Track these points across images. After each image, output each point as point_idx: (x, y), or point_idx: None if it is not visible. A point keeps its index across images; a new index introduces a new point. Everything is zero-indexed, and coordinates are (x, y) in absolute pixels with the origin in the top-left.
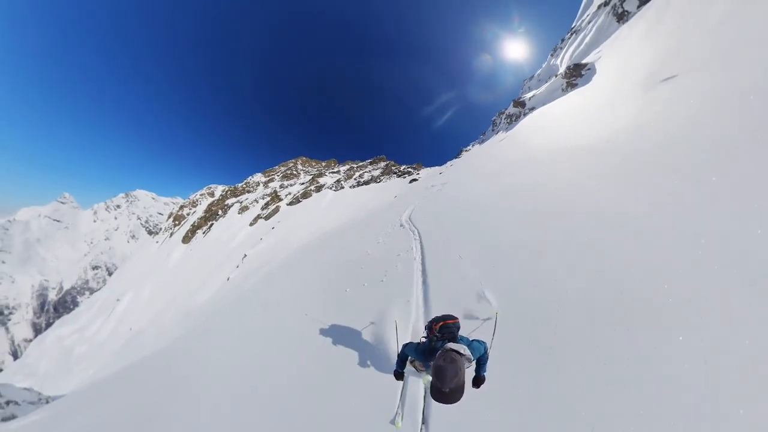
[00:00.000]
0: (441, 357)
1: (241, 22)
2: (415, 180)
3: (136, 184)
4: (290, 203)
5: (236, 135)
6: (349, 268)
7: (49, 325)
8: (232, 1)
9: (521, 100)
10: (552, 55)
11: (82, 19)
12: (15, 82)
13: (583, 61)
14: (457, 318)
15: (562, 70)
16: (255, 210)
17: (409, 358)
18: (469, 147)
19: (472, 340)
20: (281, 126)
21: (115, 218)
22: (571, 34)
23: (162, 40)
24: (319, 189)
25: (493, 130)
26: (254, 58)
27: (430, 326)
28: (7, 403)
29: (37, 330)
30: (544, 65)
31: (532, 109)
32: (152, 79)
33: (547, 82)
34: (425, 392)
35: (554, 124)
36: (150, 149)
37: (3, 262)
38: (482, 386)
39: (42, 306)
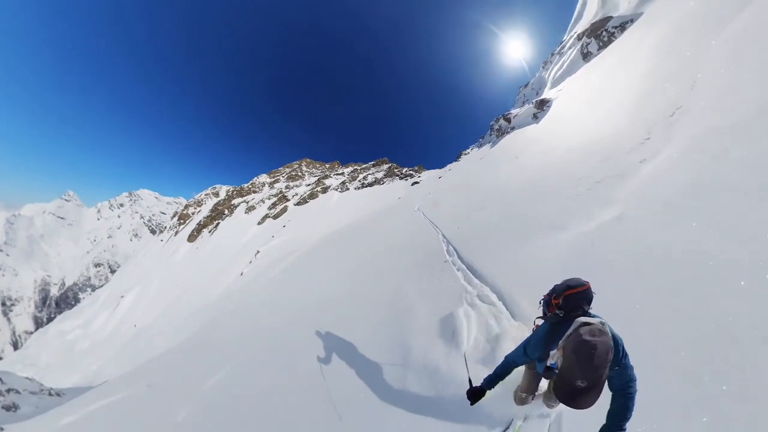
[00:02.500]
0: (584, 330)
1: (245, 23)
2: (416, 183)
3: (139, 183)
4: (297, 203)
5: (239, 137)
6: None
7: (50, 319)
8: (236, 1)
9: (508, 116)
10: (543, 68)
11: (86, 15)
12: (21, 79)
13: (546, 97)
14: (588, 283)
15: (546, 87)
16: (262, 210)
17: (529, 360)
18: (468, 150)
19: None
20: (284, 127)
21: (119, 217)
22: (560, 50)
23: (167, 40)
24: (325, 190)
25: (490, 135)
26: (259, 59)
27: (548, 301)
28: (8, 390)
29: (39, 323)
30: (537, 75)
31: (513, 128)
32: (158, 79)
33: (536, 95)
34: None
35: (509, 157)
36: (154, 149)
37: (7, 255)
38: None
39: (44, 300)
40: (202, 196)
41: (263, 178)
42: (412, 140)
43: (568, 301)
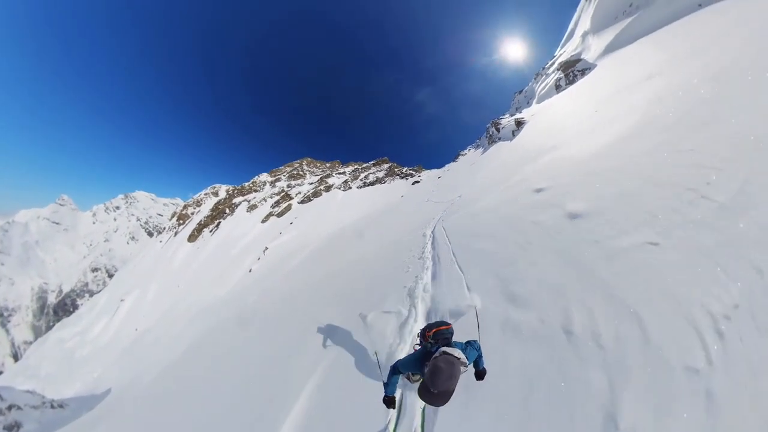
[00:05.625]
0: (440, 358)
1: (241, 21)
2: (417, 182)
3: (135, 185)
4: (301, 202)
5: (236, 136)
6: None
7: (49, 327)
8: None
9: (499, 124)
10: (534, 80)
11: (78, 17)
12: (12, 83)
13: (523, 119)
14: (450, 324)
15: (534, 100)
16: (265, 208)
17: (403, 374)
18: (465, 151)
19: (466, 344)
20: (282, 127)
21: (115, 220)
22: (549, 66)
23: (160, 40)
24: (328, 189)
25: (485, 137)
26: (255, 58)
27: (423, 333)
28: (9, 408)
29: (37, 333)
30: (530, 84)
31: (500, 138)
32: (152, 79)
33: (527, 104)
34: (424, 409)
35: (489, 165)
36: (149, 150)
37: (2, 264)
38: (485, 377)
39: (42, 309)
40: (201, 196)
41: (264, 177)
42: (411, 139)
43: (437, 335)
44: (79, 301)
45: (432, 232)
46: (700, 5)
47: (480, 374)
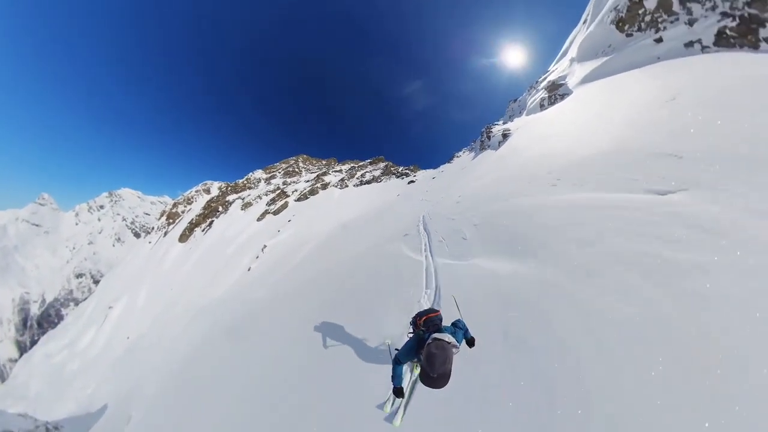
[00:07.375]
0: (432, 345)
1: (236, 12)
2: (412, 182)
3: (120, 182)
4: (298, 199)
5: (230, 131)
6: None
7: (34, 342)
8: None
9: (490, 132)
10: (528, 92)
11: (62, 9)
12: None
13: (509, 130)
14: (438, 311)
15: (524, 112)
16: (260, 206)
17: (405, 363)
18: (460, 153)
19: (453, 326)
20: (277, 124)
21: (99, 220)
22: (541, 80)
23: (149, 30)
24: (325, 187)
25: (480, 140)
26: (249, 51)
27: (414, 321)
28: None
29: (22, 348)
30: (523, 95)
31: (490, 146)
32: (139, 71)
33: (519, 113)
34: (413, 382)
35: (474, 171)
36: (134, 145)
37: None
38: (475, 344)
39: (24, 321)
40: (192, 194)
41: (259, 173)
42: (407, 139)
43: (427, 323)
44: (63, 311)
45: (423, 216)
46: (658, 58)
47: (470, 342)
